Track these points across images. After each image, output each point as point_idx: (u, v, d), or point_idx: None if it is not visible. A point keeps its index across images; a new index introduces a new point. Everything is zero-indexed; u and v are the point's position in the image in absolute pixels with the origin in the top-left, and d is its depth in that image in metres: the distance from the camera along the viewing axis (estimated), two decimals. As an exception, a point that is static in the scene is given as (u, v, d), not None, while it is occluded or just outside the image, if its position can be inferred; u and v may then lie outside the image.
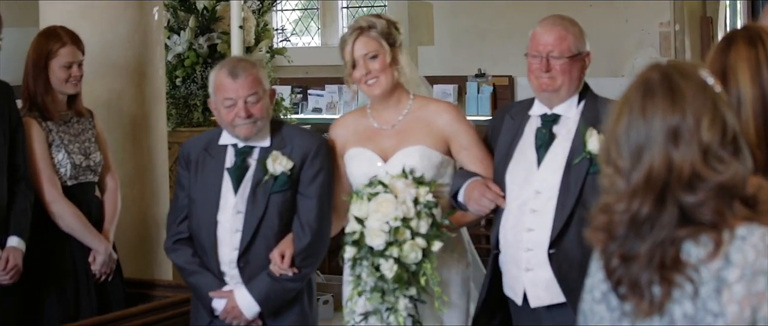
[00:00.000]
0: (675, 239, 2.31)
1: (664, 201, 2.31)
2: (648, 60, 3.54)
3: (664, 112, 2.32)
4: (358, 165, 4.56)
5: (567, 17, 4.36)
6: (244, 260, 4.59)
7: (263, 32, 8.94)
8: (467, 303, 4.57)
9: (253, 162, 4.61)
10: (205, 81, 7.10)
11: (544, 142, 4.30)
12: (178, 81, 8.44)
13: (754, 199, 2.34)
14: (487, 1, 10.40)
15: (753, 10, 10.71)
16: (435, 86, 10.75)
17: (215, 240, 4.61)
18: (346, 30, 4.64)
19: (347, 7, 12.33)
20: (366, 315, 4.41)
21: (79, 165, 5.28)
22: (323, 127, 5.51)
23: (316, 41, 12.40)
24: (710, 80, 2.38)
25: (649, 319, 2.35)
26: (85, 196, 5.33)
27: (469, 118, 4.95)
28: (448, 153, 4.53)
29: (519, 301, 4.31)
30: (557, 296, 4.23)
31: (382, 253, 4.27)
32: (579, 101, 4.31)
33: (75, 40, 5.29)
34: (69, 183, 5.27)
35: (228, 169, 4.62)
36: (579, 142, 4.23)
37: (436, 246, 4.30)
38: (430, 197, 4.32)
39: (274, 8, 10.60)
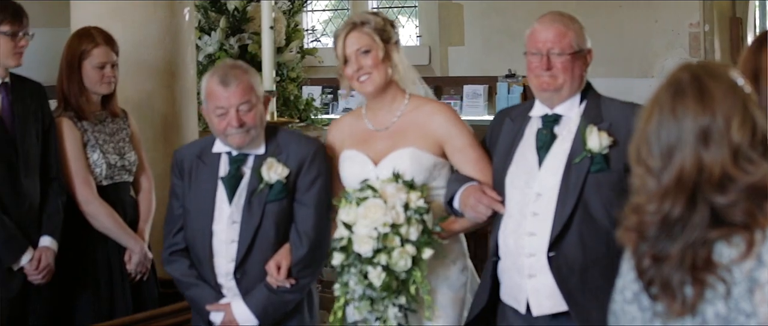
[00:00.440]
0: (707, 240, 2.32)
1: (695, 202, 2.32)
2: (678, 61, 3.53)
3: (695, 112, 2.33)
4: (351, 168, 4.41)
5: (567, 13, 4.14)
6: (240, 271, 4.45)
7: (294, 33, 8.96)
8: (461, 311, 4.38)
9: (247, 170, 4.47)
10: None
11: (545, 143, 4.10)
12: (208, 81, 8.46)
13: (786, 200, 2.34)
14: (518, 1, 10.38)
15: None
16: (465, 86, 10.80)
17: (211, 252, 4.48)
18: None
19: (377, 8, 12.33)
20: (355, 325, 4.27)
21: (114, 165, 5.28)
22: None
23: (347, 41, 12.38)
24: (740, 81, 2.38)
25: (681, 319, 2.35)
26: (120, 196, 5.33)
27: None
28: (443, 155, 4.35)
29: (522, 310, 4.10)
30: (561, 304, 4.02)
31: (370, 260, 4.13)
32: (581, 101, 4.12)
33: (108, 41, 5.29)
34: (104, 183, 5.27)
35: (222, 178, 4.48)
36: (580, 142, 4.04)
37: (427, 253, 4.14)
38: (421, 202, 4.16)
39: (305, 9, 10.61)
